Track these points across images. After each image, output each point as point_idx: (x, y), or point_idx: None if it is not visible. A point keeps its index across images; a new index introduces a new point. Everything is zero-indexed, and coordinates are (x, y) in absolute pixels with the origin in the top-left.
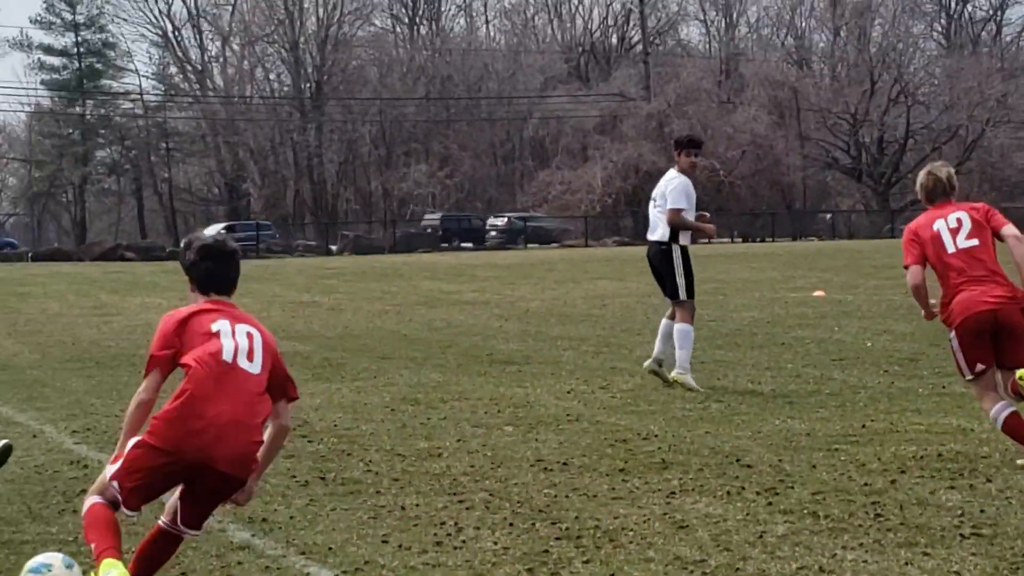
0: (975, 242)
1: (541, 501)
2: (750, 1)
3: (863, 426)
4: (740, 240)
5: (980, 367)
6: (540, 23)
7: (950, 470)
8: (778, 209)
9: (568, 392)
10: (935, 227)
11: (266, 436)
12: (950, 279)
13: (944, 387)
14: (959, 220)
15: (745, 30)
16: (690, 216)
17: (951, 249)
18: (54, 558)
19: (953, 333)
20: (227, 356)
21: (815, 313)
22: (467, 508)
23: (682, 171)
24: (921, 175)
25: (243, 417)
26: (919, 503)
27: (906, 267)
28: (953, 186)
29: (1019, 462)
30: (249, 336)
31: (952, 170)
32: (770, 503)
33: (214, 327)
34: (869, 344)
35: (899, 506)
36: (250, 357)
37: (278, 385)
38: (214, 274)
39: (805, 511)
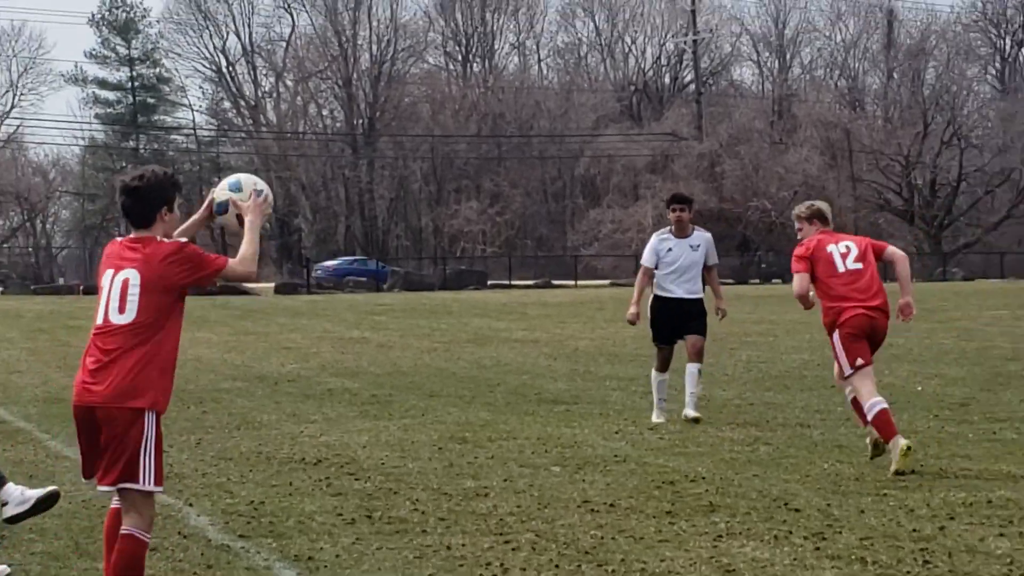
0: (859, 265)
1: (587, 543)
2: (803, 42)
3: (912, 471)
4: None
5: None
6: (593, 62)
7: (1000, 517)
8: None
9: (616, 433)
10: (828, 249)
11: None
12: (837, 291)
13: (995, 433)
14: (847, 247)
15: (798, 71)
16: (673, 266)
17: (840, 269)
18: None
19: (837, 334)
20: (99, 319)
21: None
22: (513, 549)
23: (672, 227)
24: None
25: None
26: (968, 550)
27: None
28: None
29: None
30: (124, 282)
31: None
32: (818, 548)
33: (103, 281)
34: (919, 388)
35: (948, 553)
36: (121, 308)
37: (195, 282)
38: (126, 208)
39: (853, 556)
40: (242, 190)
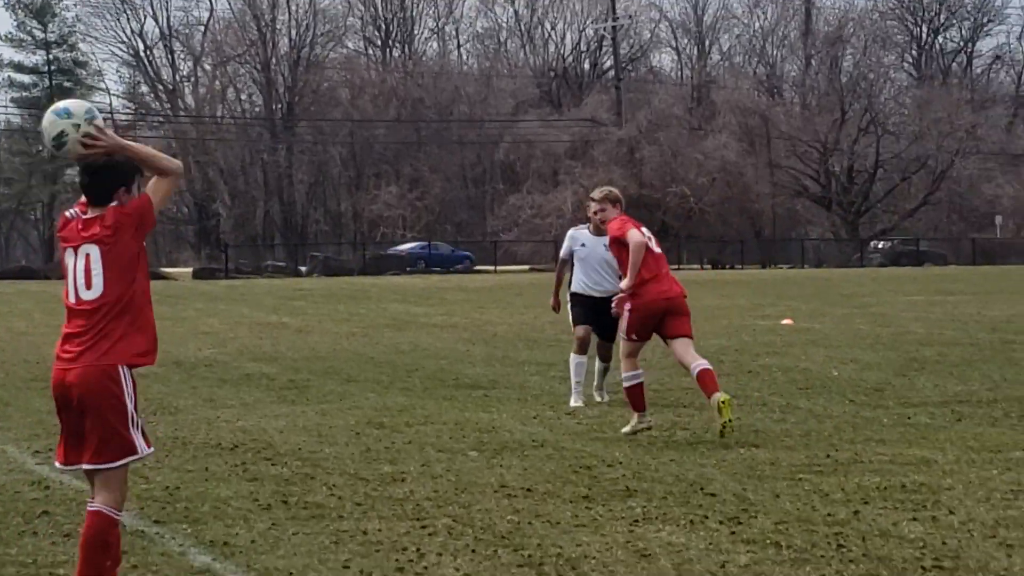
0: (659, 250)
1: (504, 528)
2: (722, 29)
3: (827, 456)
4: (709, 267)
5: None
6: (512, 47)
7: (913, 501)
8: (747, 236)
9: (534, 417)
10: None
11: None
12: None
13: (909, 418)
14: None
15: (717, 58)
16: (585, 263)
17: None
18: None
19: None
20: (71, 298)
21: (782, 341)
22: (430, 534)
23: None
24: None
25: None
26: (882, 534)
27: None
28: None
29: (623, 430)
30: (87, 258)
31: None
32: (733, 532)
33: (66, 259)
34: (835, 373)
35: (862, 537)
36: (88, 284)
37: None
38: (85, 186)
39: (768, 541)
40: (72, 115)
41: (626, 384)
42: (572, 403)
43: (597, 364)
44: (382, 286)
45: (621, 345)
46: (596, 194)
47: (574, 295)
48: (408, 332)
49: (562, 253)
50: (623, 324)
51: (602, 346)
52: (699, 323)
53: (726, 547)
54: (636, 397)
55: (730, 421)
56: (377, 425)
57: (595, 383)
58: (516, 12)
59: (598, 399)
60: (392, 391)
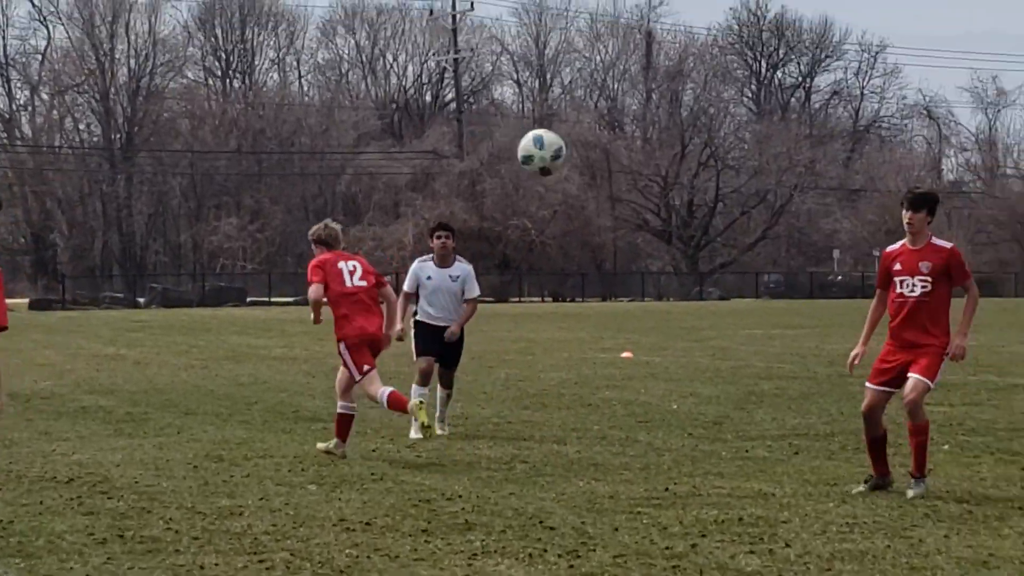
0: (364, 283)
1: (342, 561)
2: (564, 63)
3: (666, 489)
4: (550, 300)
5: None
6: (354, 79)
7: (750, 534)
8: (588, 269)
9: (373, 451)
10: (339, 266)
11: None
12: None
13: (747, 451)
14: (354, 266)
15: (559, 91)
16: (432, 295)
17: (348, 284)
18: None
19: (343, 344)
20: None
21: (622, 374)
22: (267, 568)
23: (434, 255)
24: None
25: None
26: (719, 567)
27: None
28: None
29: (412, 435)
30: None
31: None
32: (572, 566)
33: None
34: (675, 406)
35: (699, 570)
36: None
37: None
38: None
39: (606, 574)
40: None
41: (384, 402)
42: (412, 435)
43: (439, 394)
44: (221, 318)
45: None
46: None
47: (419, 324)
48: (247, 364)
49: (407, 287)
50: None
51: (444, 374)
52: (540, 356)
53: None
54: (396, 402)
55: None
56: (215, 458)
57: (436, 414)
58: (357, 44)
59: (439, 431)
60: (231, 424)
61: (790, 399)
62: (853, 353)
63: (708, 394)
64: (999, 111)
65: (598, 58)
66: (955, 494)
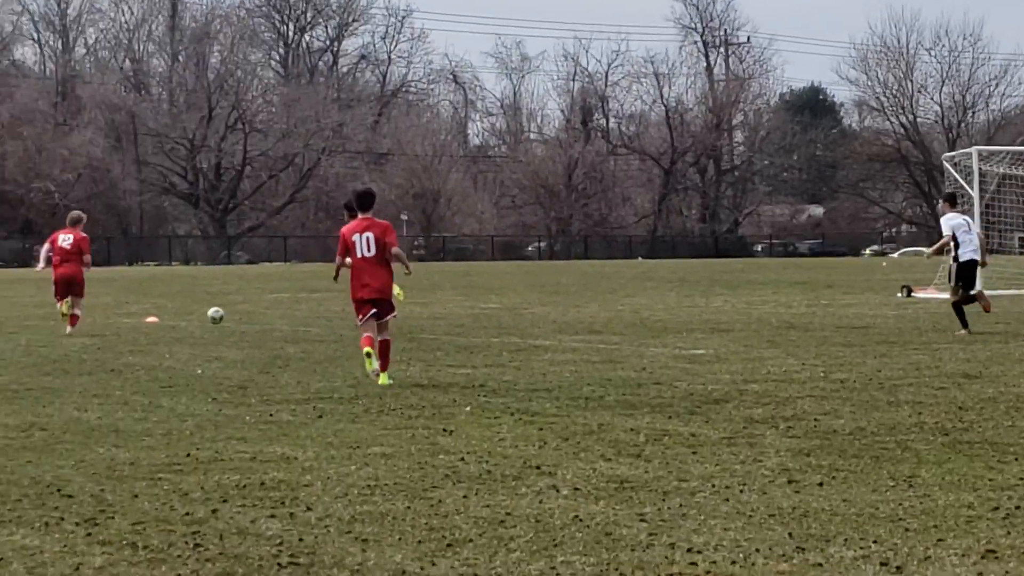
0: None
1: None
2: (88, 23)
3: (188, 455)
4: None
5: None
6: None
7: (272, 498)
8: (115, 234)
9: None
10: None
11: None
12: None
13: (271, 415)
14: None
15: (83, 52)
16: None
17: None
18: None
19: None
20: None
21: (147, 339)
22: None
23: None
24: None
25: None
26: (239, 532)
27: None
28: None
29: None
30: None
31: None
32: (89, 534)
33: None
34: (199, 371)
35: (219, 535)
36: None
37: None
38: None
39: (124, 542)
40: None
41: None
42: None
43: None
44: None
45: None
46: None
47: None
48: None
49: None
50: None
51: None
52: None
53: (81, 549)
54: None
55: None
56: None
57: None
58: None
59: None
60: None
61: (315, 362)
62: None
63: (233, 358)
64: (523, 77)
65: (123, 19)
66: (476, 455)
